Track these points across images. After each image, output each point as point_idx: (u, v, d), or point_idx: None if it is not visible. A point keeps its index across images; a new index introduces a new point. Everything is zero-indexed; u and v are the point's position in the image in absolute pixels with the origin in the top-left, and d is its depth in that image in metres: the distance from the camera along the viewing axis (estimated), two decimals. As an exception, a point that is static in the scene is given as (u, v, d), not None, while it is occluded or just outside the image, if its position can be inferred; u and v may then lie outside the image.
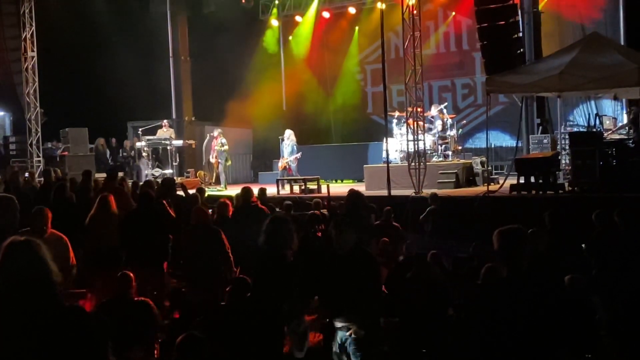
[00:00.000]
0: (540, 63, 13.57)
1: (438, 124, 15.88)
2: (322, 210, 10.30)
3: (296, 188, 15.37)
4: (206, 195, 11.41)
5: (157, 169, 17.86)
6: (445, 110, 16.22)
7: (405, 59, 14.01)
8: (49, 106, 18.99)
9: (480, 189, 13.61)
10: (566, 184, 12.38)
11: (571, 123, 15.99)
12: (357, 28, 21.78)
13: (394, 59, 19.94)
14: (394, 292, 6.37)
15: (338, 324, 5.03)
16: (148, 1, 20.95)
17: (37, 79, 18.43)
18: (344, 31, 22.01)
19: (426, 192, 12.76)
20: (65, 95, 19.04)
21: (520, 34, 14.42)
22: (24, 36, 18.29)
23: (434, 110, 16.11)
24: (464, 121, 18.78)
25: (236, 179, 20.21)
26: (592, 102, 15.98)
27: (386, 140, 14.60)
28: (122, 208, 8.43)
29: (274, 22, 22.56)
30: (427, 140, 14.96)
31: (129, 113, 20.25)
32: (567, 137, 13.76)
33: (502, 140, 18.88)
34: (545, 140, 15.20)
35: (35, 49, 18.37)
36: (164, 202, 8.52)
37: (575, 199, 11.31)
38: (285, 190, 15.50)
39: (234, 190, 13.23)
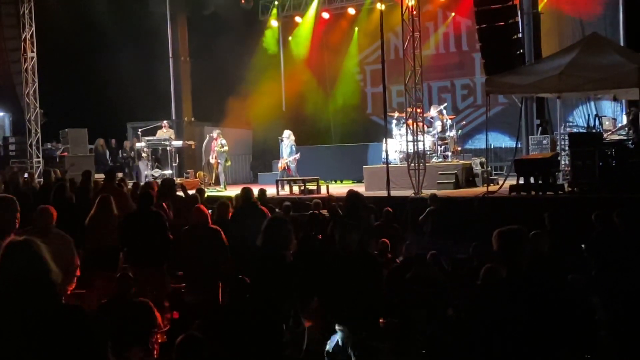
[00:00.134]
0: (539, 64, 13.57)
1: (437, 124, 15.88)
2: (321, 211, 10.31)
3: (295, 189, 15.36)
4: (206, 195, 11.40)
5: (157, 170, 17.84)
6: (444, 111, 16.22)
7: (405, 60, 14.02)
8: (49, 107, 18.99)
9: (480, 189, 13.62)
10: (566, 185, 12.39)
11: (571, 124, 15.97)
12: (356, 29, 21.76)
13: (394, 60, 19.92)
14: (393, 292, 6.36)
15: (337, 326, 5.03)
16: (148, 1, 20.93)
17: (36, 80, 18.42)
18: (343, 32, 22.00)
19: (426, 192, 12.76)
20: (65, 95, 19.04)
21: (520, 35, 14.43)
22: (23, 37, 18.28)
23: (433, 111, 16.10)
24: (464, 122, 18.80)
25: (236, 180, 20.21)
26: (592, 103, 15.97)
27: (386, 140, 14.62)
28: (121, 209, 8.44)
29: (274, 23, 22.53)
30: (427, 141, 14.97)
31: (128, 114, 20.25)
32: (566, 137, 13.76)
33: (502, 141, 18.86)
34: (544, 141, 15.19)
35: (35, 50, 18.36)
36: (164, 205, 8.52)
37: (574, 199, 11.32)
38: (285, 191, 15.50)
39: (233, 191, 13.23)
